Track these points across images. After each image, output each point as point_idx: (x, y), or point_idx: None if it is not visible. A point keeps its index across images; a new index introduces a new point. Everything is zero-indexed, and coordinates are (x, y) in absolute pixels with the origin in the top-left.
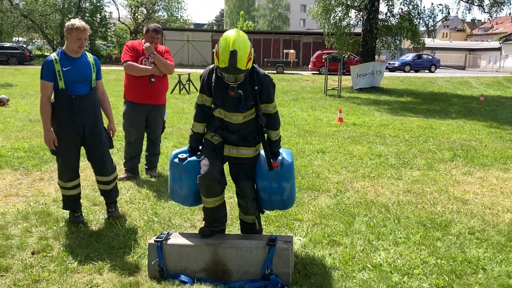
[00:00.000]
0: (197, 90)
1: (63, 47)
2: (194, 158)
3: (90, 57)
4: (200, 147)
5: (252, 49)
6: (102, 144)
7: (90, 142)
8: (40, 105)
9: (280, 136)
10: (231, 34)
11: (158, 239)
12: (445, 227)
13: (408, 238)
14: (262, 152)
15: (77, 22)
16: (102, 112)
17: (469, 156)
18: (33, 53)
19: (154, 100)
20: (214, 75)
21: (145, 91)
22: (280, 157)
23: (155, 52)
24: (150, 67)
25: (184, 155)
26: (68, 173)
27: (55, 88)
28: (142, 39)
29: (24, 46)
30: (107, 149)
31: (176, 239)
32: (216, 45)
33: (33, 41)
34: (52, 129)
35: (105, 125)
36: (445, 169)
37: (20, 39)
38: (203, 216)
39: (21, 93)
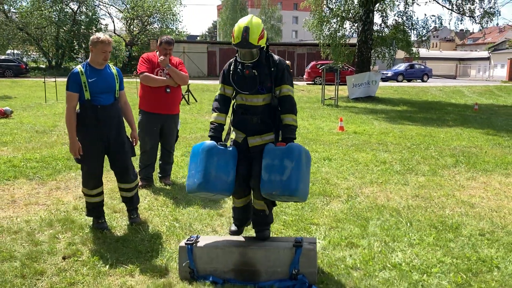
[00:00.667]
0: (196, 101)
1: (88, 60)
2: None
3: (113, 68)
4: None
5: (265, 30)
6: (125, 153)
7: (114, 150)
8: (66, 115)
9: (296, 124)
10: (245, 17)
11: (188, 242)
12: (456, 229)
13: (422, 239)
14: None
15: (102, 35)
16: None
17: (471, 162)
18: (28, 65)
19: (169, 110)
20: (232, 65)
21: (161, 101)
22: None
23: (169, 65)
24: (166, 78)
25: (222, 143)
26: (92, 181)
27: (80, 99)
28: (156, 51)
29: (20, 58)
30: (129, 157)
31: (205, 241)
32: (232, 32)
33: (28, 53)
34: (77, 138)
35: (128, 134)
36: (449, 175)
37: (15, 51)
38: (232, 215)
39: (22, 105)
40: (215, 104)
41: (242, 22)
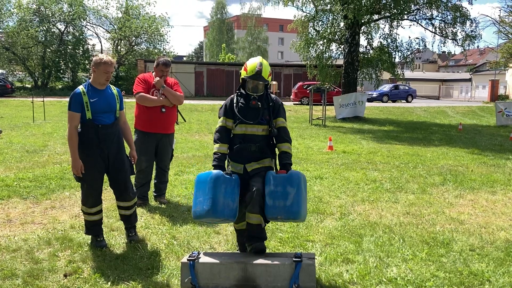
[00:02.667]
0: (185, 121)
1: (90, 80)
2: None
3: (114, 89)
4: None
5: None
6: (125, 171)
7: (113, 169)
8: (68, 134)
9: (291, 152)
10: (256, 57)
11: (190, 258)
12: (447, 244)
13: (415, 255)
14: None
15: (105, 56)
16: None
17: (458, 180)
18: (14, 85)
19: (164, 129)
20: (235, 99)
21: (156, 120)
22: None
23: (164, 85)
24: (162, 98)
25: (227, 172)
26: (92, 199)
27: (82, 118)
28: (153, 72)
29: (5, 78)
30: (129, 176)
31: (207, 258)
32: (243, 67)
33: (14, 73)
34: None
35: (127, 152)
36: (438, 193)
37: (0, 71)
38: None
39: (10, 125)
40: (217, 135)
41: (256, 59)
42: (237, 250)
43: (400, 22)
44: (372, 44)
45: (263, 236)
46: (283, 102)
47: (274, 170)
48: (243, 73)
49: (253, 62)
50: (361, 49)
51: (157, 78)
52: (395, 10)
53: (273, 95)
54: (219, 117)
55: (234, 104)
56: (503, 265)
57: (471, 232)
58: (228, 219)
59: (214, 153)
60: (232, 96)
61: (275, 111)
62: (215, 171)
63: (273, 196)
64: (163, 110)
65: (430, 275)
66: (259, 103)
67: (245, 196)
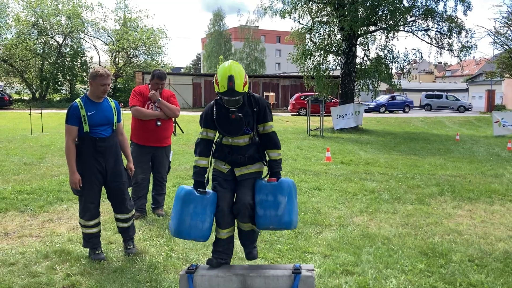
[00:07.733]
0: (182, 132)
1: (87, 93)
2: (209, 190)
3: (111, 101)
4: (211, 180)
5: (247, 75)
6: (122, 183)
7: (111, 181)
8: (65, 148)
9: (280, 158)
10: (227, 63)
11: (189, 271)
12: (446, 255)
13: (414, 266)
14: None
15: (101, 69)
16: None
17: (456, 191)
18: (12, 97)
19: (160, 142)
20: (215, 109)
21: (152, 133)
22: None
23: (160, 99)
24: (157, 111)
25: (201, 189)
26: (90, 212)
27: (79, 131)
28: (149, 84)
29: (3, 90)
30: (126, 188)
31: (205, 270)
32: (214, 75)
33: (12, 85)
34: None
35: (124, 164)
36: (436, 203)
37: None
38: (214, 250)
39: (7, 138)
40: (197, 148)
41: (226, 70)
42: (214, 257)
43: (396, 33)
44: (369, 55)
45: (255, 238)
46: (281, 114)
47: (265, 175)
48: (216, 88)
49: (222, 76)
50: (358, 60)
51: (153, 92)
52: (391, 22)
53: (256, 95)
54: (201, 127)
55: (215, 116)
56: (502, 276)
57: (469, 243)
58: (197, 240)
59: (194, 167)
60: (211, 103)
61: (261, 115)
62: (185, 189)
63: (263, 205)
64: (159, 123)
65: (430, 286)
66: (239, 114)
67: (232, 200)
